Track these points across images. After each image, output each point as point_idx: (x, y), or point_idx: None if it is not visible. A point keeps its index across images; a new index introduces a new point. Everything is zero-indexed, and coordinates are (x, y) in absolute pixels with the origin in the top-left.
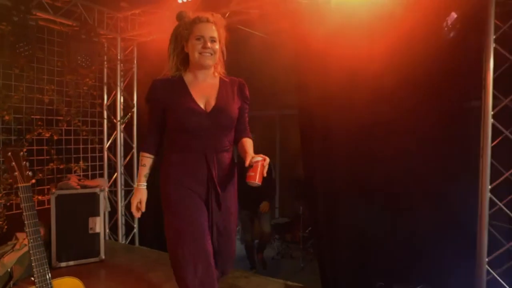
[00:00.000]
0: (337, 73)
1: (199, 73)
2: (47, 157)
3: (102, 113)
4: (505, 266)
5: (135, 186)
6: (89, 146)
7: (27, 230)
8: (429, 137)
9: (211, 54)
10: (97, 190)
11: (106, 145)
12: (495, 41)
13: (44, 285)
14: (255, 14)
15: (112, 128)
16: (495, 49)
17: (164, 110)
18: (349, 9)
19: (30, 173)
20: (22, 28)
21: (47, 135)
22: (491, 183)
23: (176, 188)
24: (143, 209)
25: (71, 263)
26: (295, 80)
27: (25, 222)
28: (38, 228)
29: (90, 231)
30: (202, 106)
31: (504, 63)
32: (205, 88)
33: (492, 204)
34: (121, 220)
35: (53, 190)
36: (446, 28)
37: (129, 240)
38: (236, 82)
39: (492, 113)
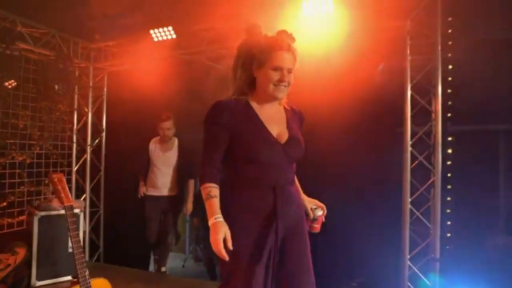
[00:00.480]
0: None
1: (267, 101)
2: (19, 180)
3: (71, 137)
4: (422, 262)
5: (213, 221)
6: (59, 168)
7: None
8: (365, 155)
9: (286, 87)
10: (78, 210)
11: (75, 168)
12: (411, 88)
13: (85, 284)
14: (225, 53)
15: (81, 151)
16: (411, 94)
17: (231, 138)
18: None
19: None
20: (5, 58)
21: (20, 158)
22: (410, 196)
23: (244, 235)
24: (231, 246)
25: (49, 281)
26: None
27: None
28: (78, 232)
29: (70, 250)
30: (275, 136)
31: (419, 104)
32: (273, 116)
33: (411, 213)
34: (88, 240)
35: (35, 212)
36: (377, 74)
37: (95, 258)
38: (297, 112)
39: (410, 142)
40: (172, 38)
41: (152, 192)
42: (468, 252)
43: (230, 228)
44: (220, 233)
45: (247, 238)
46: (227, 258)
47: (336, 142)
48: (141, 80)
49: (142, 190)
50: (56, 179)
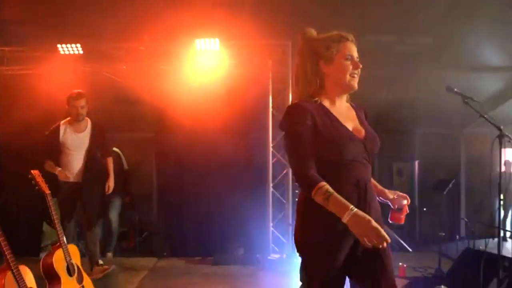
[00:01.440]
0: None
1: (337, 98)
2: None
3: None
4: (281, 228)
5: (350, 213)
6: None
7: None
8: (242, 153)
9: (357, 75)
10: None
11: None
12: (272, 106)
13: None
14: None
15: None
16: (272, 111)
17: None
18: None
19: None
20: None
21: None
22: (272, 182)
23: (330, 236)
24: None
25: None
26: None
27: None
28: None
29: None
30: (353, 133)
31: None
32: (346, 113)
33: (273, 194)
34: None
35: None
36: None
37: None
38: (362, 108)
39: (272, 145)
40: (79, 53)
41: (66, 178)
42: None
43: (319, 229)
44: (373, 222)
45: (338, 244)
46: (389, 240)
47: (221, 145)
48: (38, 86)
49: (64, 173)
50: None
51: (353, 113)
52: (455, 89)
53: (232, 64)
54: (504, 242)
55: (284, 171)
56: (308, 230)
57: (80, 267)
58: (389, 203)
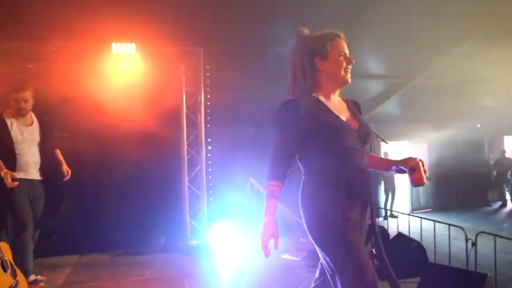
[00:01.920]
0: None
1: (332, 93)
2: None
3: None
4: (197, 217)
5: (265, 219)
6: None
7: None
8: (159, 150)
9: (350, 70)
10: None
11: None
12: (186, 108)
13: None
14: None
15: None
16: (186, 112)
17: (307, 132)
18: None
19: None
20: None
21: None
22: (188, 176)
23: (342, 219)
24: (277, 247)
25: None
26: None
27: None
28: None
29: None
30: (350, 124)
31: (190, 117)
32: (339, 107)
33: (189, 187)
34: None
35: None
36: None
37: None
38: (353, 101)
39: (186, 142)
40: None
41: (23, 175)
42: (221, 209)
43: (331, 214)
44: (269, 234)
45: (346, 221)
46: (268, 255)
47: (138, 144)
48: None
49: (10, 175)
50: None
51: (345, 106)
52: None
53: (147, 68)
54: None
55: (198, 167)
56: (321, 217)
57: (13, 263)
58: (403, 168)
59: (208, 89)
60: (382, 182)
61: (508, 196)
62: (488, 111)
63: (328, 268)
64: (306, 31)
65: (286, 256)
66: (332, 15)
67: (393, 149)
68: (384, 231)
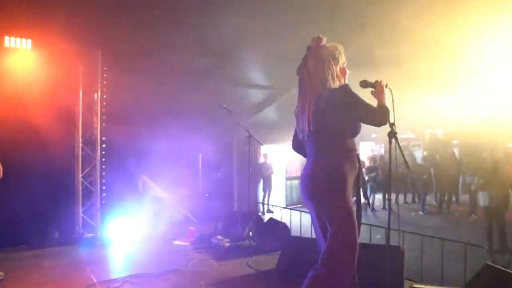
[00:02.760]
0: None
1: None
2: None
3: None
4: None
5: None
6: None
7: None
8: (51, 155)
9: None
10: None
11: None
12: (82, 107)
13: None
14: None
15: None
16: (82, 110)
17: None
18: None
19: None
20: None
21: None
22: (82, 173)
23: (349, 194)
24: None
25: None
26: None
27: None
28: None
29: None
30: None
31: (86, 116)
32: None
33: (82, 183)
34: None
35: None
36: None
37: None
38: None
39: (81, 140)
40: None
41: None
42: (115, 204)
43: (346, 192)
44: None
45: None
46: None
47: (33, 139)
48: None
49: None
50: None
51: None
52: (223, 105)
53: (44, 66)
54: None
55: (92, 164)
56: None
57: None
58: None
59: (104, 89)
60: (261, 181)
61: None
62: None
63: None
64: (325, 39)
65: (177, 242)
66: (221, 32)
67: (271, 151)
68: (259, 217)
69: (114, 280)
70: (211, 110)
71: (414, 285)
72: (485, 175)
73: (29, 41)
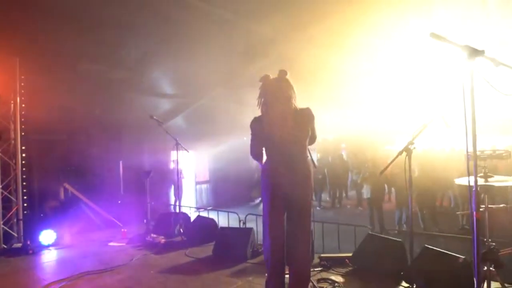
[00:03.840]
0: None
1: None
2: None
3: None
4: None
5: None
6: None
7: None
8: None
9: None
10: None
11: None
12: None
13: None
14: None
15: None
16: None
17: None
18: None
19: None
20: None
21: None
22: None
23: None
24: None
25: None
26: None
27: None
28: None
29: None
30: None
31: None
32: None
33: (2, 193)
34: None
35: None
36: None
37: None
38: None
39: None
40: None
41: None
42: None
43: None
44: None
45: None
46: None
47: None
48: None
49: None
50: None
51: None
52: (154, 117)
53: None
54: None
55: (12, 175)
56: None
57: None
58: None
59: (23, 98)
60: (172, 186)
61: None
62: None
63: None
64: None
65: (113, 244)
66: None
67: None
68: (187, 216)
69: (67, 279)
70: (134, 119)
71: (322, 255)
72: (367, 171)
73: None
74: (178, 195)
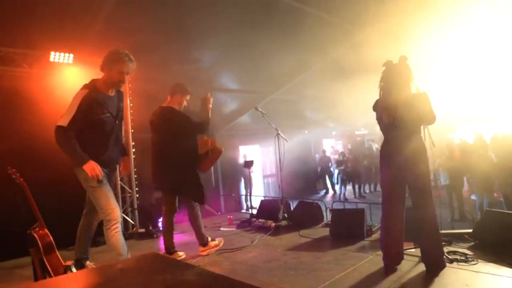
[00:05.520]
0: None
1: None
2: None
3: None
4: None
5: None
6: None
7: None
8: None
9: None
10: None
11: None
12: None
13: None
14: None
15: None
16: None
17: None
18: None
19: None
20: None
21: None
22: None
23: None
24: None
25: None
26: None
27: None
28: None
29: None
30: None
31: None
32: None
33: None
34: None
35: None
36: None
37: None
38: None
39: None
40: None
41: None
42: None
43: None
44: None
45: None
46: None
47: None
48: None
49: None
50: None
51: None
52: (258, 108)
53: (82, 76)
54: None
55: None
56: None
57: None
58: None
59: (130, 98)
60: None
61: (329, 185)
62: (311, 121)
63: None
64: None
65: (224, 229)
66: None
67: (248, 151)
68: (287, 202)
69: (206, 256)
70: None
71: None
72: (442, 159)
73: (71, 55)
74: (249, 188)
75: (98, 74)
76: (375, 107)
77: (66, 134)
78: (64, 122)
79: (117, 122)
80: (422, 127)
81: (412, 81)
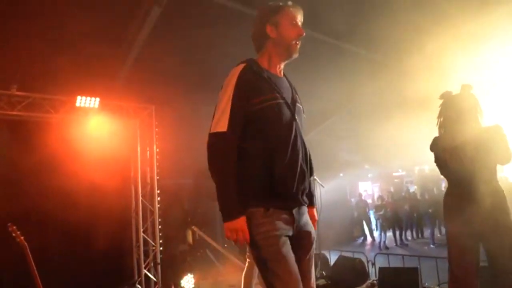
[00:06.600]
0: None
1: None
2: None
3: None
4: None
5: None
6: None
7: None
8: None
9: None
10: None
11: None
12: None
13: None
14: None
15: None
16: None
17: None
18: None
19: None
20: None
21: None
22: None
23: None
24: None
25: None
26: None
27: None
28: None
29: None
30: None
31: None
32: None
33: None
34: None
35: None
36: None
37: None
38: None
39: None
40: None
41: None
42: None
43: None
44: None
45: None
46: None
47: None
48: None
49: None
50: None
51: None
52: None
53: (107, 121)
54: None
55: (150, 219)
56: None
57: None
58: None
59: (157, 143)
60: None
61: (366, 231)
62: (346, 163)
63: None
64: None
65: None
66: None
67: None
68: (325, 257)
69: None
70: None
71: None
72: None
73: (97, 99)
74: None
75: (124, 121)
76: (434, 147)
77: (228, 145)
78: (222, 125)
79: (297, 119)
80: (497, 167)
81: (481, 114)
